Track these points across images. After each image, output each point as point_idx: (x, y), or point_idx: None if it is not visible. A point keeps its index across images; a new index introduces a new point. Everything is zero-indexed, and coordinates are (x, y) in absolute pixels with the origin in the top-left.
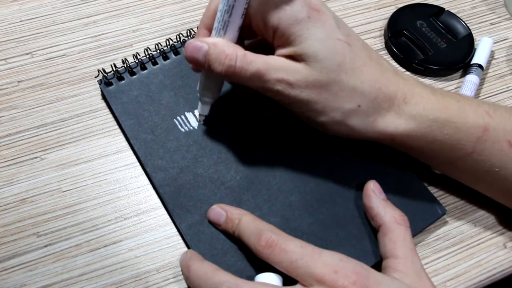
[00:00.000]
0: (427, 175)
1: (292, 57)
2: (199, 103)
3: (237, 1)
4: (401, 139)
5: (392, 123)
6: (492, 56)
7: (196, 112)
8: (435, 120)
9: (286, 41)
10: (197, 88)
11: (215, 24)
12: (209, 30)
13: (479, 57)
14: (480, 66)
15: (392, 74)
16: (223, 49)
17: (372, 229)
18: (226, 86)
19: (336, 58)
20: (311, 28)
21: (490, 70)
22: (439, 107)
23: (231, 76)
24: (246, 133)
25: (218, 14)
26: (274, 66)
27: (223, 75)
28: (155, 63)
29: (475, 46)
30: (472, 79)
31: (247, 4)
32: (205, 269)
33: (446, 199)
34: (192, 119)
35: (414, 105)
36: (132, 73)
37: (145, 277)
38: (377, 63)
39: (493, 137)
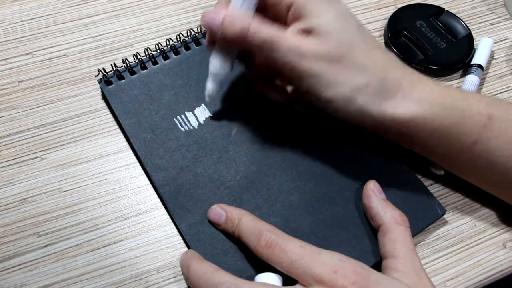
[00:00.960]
0: (427, 175)
1: (305, 31)
2: (209, 81)
3: None
4: (408, 125)
5: (399, 106)
6: (492, 56)
7: (198, 111)
8: (441, 106)
9: (301, 16)
10: (209, 64)
11: None
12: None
13: (479, 57)
14: (480, 66)
15: (397, 62)
16: (239, 14)
17: (372, 229)
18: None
19: (349, 35)
20: (327, 6)
21: (490, 70)
22: (445, 94)
23: (243, 41)
24: (247, 133)
25: None
26: (286, 36)
27: (235, 40)
28: (155, 63)
29: (475, 46)
30: (472, 79)
31: None
32: (205, 269)
33: (446, 199)
34: (192, 119)
35: (421, 90)
36: (132, 73)
37: (145, 277)
38: (383, 50)
39: (497, 126)
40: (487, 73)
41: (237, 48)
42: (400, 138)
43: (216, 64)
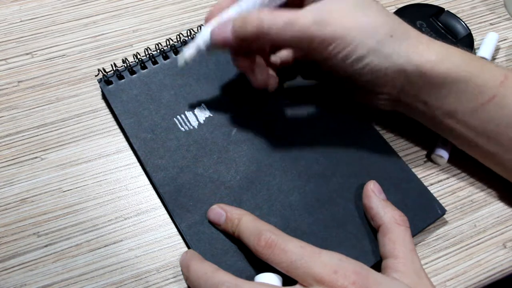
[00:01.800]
0: (427, 175)
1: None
2: (190, 49)
3: None
4: (430, 73)
5: (423, 55)
6: (492, 57)
7: (198, 110)
8: (461, 58)
9: None
10: (198, 35)
11: None
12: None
13: (484, 51)
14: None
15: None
16: (246, 14)
17: (372, 229)
18: (227, 85)
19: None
20: None
21: None
22: (463, 53)
23: (263, 35)
24: (246, 133)
25: None
26: (304, 12)
27: (255, 37)
28: (155, 63)
29: (476, 44)
30: None
31: None
32: (205, 269)
33: (446, 199)
34: (192, 118)
35: (440, 45)
36: (132, 72)
37: (145, 277)
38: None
39: None
40: None
41: (258, 43)
42: (421, 93)
43: (206, 38)
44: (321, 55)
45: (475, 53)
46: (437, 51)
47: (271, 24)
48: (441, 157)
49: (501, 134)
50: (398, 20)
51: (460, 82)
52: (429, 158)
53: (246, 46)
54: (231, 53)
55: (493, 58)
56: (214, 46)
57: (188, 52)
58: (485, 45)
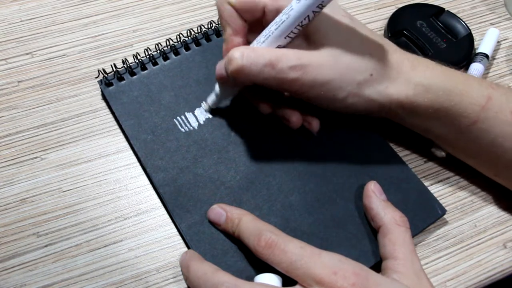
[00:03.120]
0: (427, 175)
1: (304, 37)
2: (212, 97)
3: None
4: (410, 106)
5: (402, 89)
6: (492, 56)
7: (198, 111)
8: (442, 87)
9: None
10: (215, 89)
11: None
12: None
13: (485, 47)
14: (486, 55)
15: (395, 47)
16: (232, 52)
17: (372, 230)
18: None
19: (343, 32)
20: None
21: (490, 70)
22: (446, 76)
23: (244, 75)
24: (246, 134)
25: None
26: (285, 53)
27: (236, 75)
28: (155, 64)
29: (479, 42)
30: (477, 67)
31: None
32: (204, 269)
33: (446, 199)
34: (192, 119)
35: (422, 72)
36: (132, 74)
37: (145, 277)
38: (379, 37)
39: (496, 107)
40: (487, 73)
41: (239, 82)
42: (404, 119)
43: (222, 92)
44: (302, 95)
45: (475, 52)
46: (416, 82)
47: (252, 64)
48: (440, 150)
49: (483, 154)
50: (380, 50)
51: (441, 112)
52: (434, 156)
53: (241, 83)
54: (250, 100)
55: (493, 58)
56: (218, 81)
57: (210, 99)
58: (486, 41)
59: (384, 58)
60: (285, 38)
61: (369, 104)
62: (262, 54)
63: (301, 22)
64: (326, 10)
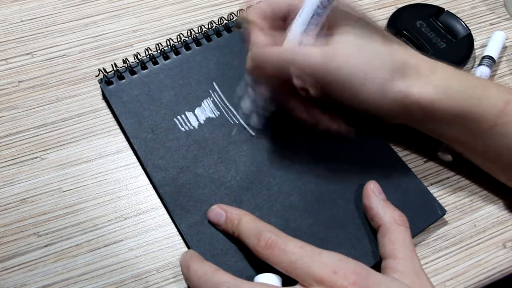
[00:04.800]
0: (427, 175)
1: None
2: (255, 117)
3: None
4: (431, 108)
5: (423, 90)
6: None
7: (198, 111)
8: (460, 91)
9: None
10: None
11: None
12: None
13: (491, 50)
14: (491, 58)
15: (412, 50)
16: (258, 52)
17: (371, 230)
18: (227, 86)
19: (363, 30)
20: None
21: None
22: (464, 81)
23: (267, 73)
24: (247, 134)
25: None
26: (308, 51)
27: (259, 74)
28: (155, 63)
29: (479, 42)
30: (483, 70)
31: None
32: (205, 269)
33: (446, 199)
34: (193, 119)
35: (440, 76)
36: (133, 73)
37: (145, 277)
38: (396, 40)
39: None
40: None
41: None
42: (422, 122)
43: (258, 99)
44: (325, 89)
45: (474, 53)
46: (436, 85)
47: (276, 61)
48: (447, 154)
49: (501, 159)
50: (400, 51)
51: (460, 116)
52: (434, 156)
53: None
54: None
55: None
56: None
57: (252, 119)
58: (492, 44)
59: (404, 59)
60: (306, 27)
61: (390, 102)
62: (285, 52)
63: (317, 9)
64: (345, 8)
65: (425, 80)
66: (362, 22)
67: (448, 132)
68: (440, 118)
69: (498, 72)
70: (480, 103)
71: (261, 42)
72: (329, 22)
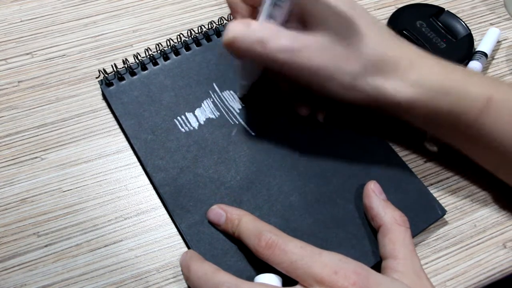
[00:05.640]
0: (427, 175)
1: (300, 21)
2: (238, 86)
3: None
4: (407, 105)
5: (398, 87)
6: (492, 56)
7: (198, 111)
8: (440, 88)
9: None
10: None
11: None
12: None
13: (484, 45)
14: (484, 54)
15: (396, 40)
16: (229, 24)
17: (372, 230)
18: (227, 86)
19: (342, 20)
20: None
21: (490, 71)
22: (444, 76)
23: (233, 48)
24: (246, 134)
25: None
26: (278, 33)
27: (227, 48)
28: (155, 64)
29: (479, 42)
30: (475, 65)
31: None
32: (205, 269)
33: (446, 199)
34: (193, 119)
35: (419, 71)
36: (133, 74)
37: (145, 277)
38: (380, 28)
39: (496, 108)
40: (487, 72)
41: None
42: (401, 116)
43: (243, 74)
44: (294, 79)
45: (474, 50)
46: (413, 81)
47: (243, 37)
48: (433, 145)
49: (483, 153)
50: (379, 43)
51: (438, 112)
52: (434, 156)
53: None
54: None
55: (493, 58)
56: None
57: (239, 93)
58: (486, 40)
59: (382, 52)
60: (274, 6)
61: (364, 98)
62: (254, 30)
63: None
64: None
65: (401, 76)
66: (342, 11)
67: (427, 127)
68: (417, 113)
69: (498, 72)
70: (459, 100)
71: (241, 10)
72: (308, 12)
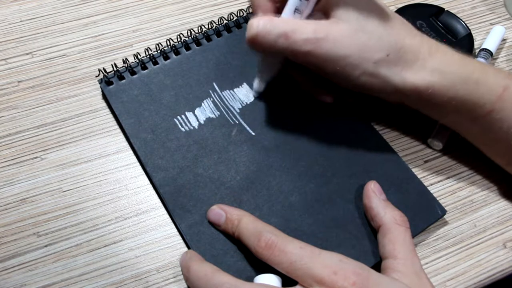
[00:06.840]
0: (427, 175)
1: (323, 11)
2: (256, 80)
3: None
4: (426, 92)
5: (418, 74)
6: (493, 56)
7: (198, 111)
8: (458, 75)
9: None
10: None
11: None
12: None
13: (489, 43)
14: (489, 52)
15: (414, 30)
16: (251, 21)
17: (372, 230)
18: (227, 86)
19: (363, 8)
20: None
21: None
22: (462, 64)
23: (257, 43)
24: (246, 134)
25: None
26: (301, 25)
27: (251, 44)
28: (155, 63)
29: (479, 42)
30: None
31: None
32: (205, 270)
33: (446, 199)
34: (193, 119)
35: (439, 59)
36: (133, 73)
37: (145, 277)
38: (399, 19)
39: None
40: None
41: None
42: (420, 105)
43: (263, 68)
44: (318, 70)
45: (475, 50)
46: (432, 68)
47: (267, 33)
48: (438, 142)
49: (497, 143)
50: (399, 31)
51: (456, 100)
52: (434, 156)
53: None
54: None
55: (494, 58)
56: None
57: (255, 83)
58: (491, 38)
59: (402, 40)
60: (298, 7)
61: (384, 85)
62: (277, 24)
63: None
64: None
65: (421, 64)
66: (362, 2)
67: (445, 115)
68: (436, 101)
69: None
70: (477, 88)
71: (263, 6)
72: (332, 2)
